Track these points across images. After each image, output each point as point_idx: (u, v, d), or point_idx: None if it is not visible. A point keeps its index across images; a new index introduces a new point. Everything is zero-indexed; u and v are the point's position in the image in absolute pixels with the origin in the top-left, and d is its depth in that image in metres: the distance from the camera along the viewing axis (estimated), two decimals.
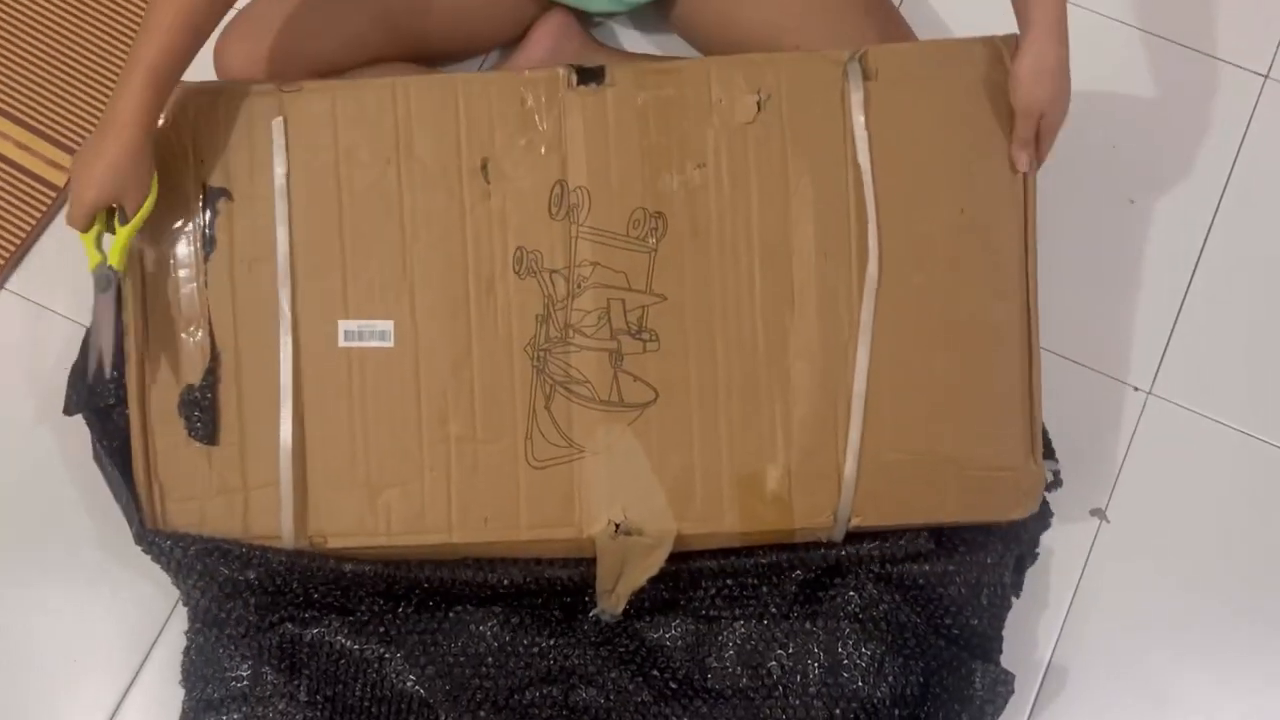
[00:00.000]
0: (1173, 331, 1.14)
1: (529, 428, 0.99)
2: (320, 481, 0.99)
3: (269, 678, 1.00)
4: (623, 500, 0.98)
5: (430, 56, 1.16)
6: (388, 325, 0.99)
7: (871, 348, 0.97)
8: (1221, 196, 1.18)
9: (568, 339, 0.98)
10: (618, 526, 0.98)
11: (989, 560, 1.02)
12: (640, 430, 0.98)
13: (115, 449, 1.02)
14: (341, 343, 0.99)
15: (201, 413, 0.99)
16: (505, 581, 1.00)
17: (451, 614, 1.01)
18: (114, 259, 0.93)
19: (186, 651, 1.03)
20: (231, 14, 1.03)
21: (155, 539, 0.99)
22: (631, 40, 1.24)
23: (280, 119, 0.97)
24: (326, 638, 1.00)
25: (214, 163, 0.98)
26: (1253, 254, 1.17)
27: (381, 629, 1.01)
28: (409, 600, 1.01)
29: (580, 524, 0.98)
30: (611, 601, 1.00)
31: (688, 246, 0.98)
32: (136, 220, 0.93)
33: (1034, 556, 1.05)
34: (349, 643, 1.00)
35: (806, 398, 0.97)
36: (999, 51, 0.97)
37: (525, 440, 0.99)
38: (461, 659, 1.00)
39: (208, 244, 0.99)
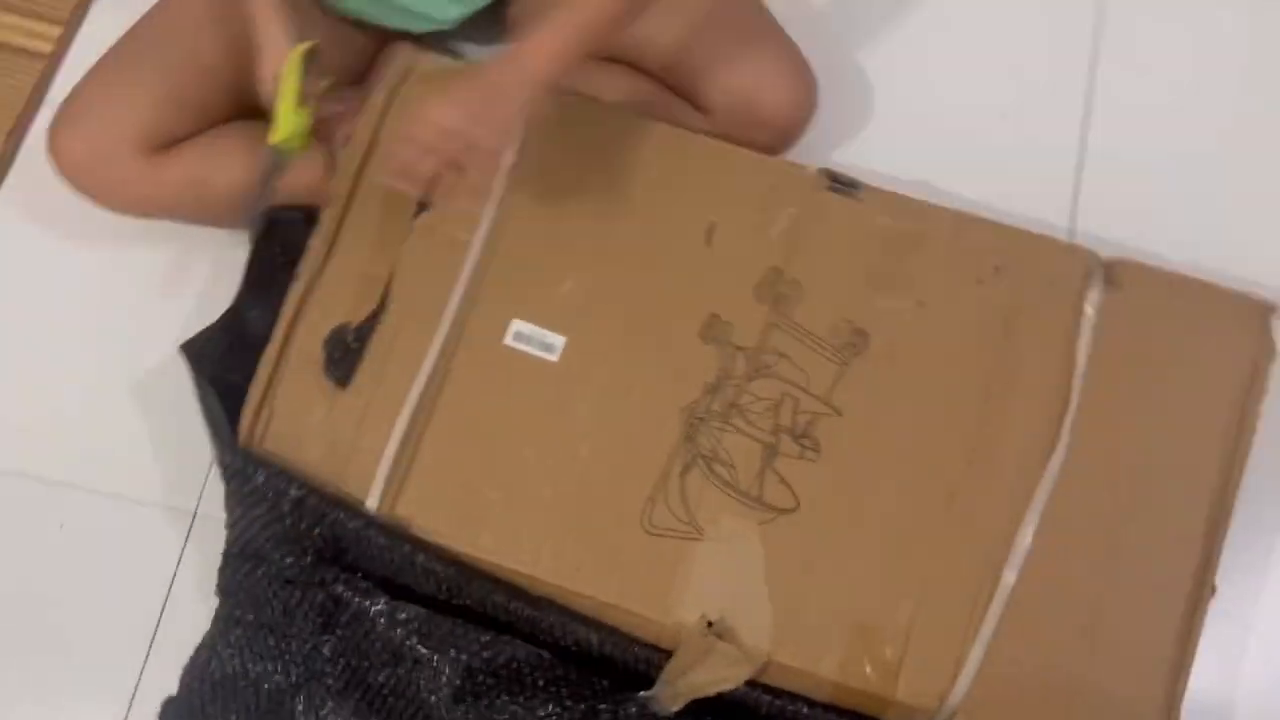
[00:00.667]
0: None
1: (656, 490, 0.93)
2: (429, 465, 0.93)
3: (298, 622, 0.92)
4: (725, 600, 0.90)
5: (265, 110, 1.06)
6: (559, 340, 0.96)
7: (1033, 541, 0.90)
8: None
9: (728, 417, 0.94)
10: (710, 624, 0.90)
11: None
12: (769, 535, 0.91)
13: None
14: (508, 341, 0.96)
15: (346, 353, 0.95)
16: (571, 640, 0.91)
17: (501, 640, 0.92)
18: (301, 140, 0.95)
19: (223, 567, 0.96)
20: (58, 105, 1.02)
21: (242, 454, 0.93)
22: (471, 52, 1.18)
23: (544, 123, 0.97)
24: (370, 611, 0.92)
25: None
26: None
27: (428, 629, 0.92)
28: (462, 611, 0.93)
29: (672, 607, 0.90)
30: (668, 696, 0.90)
31: (881, 372, 0.94)
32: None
33: None
34: (389, 628, 0.91)
35: (951, 568, 0.90)
36: (1249, 311, 0.95)
37: (648, 501, 0.93)
38: (493, 687, 0.90)
39: (423, 203, 0.98)
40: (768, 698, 0.90)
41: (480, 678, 0.92)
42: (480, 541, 0.92)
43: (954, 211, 0.98)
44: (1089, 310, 0.94)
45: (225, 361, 0.99)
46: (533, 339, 0.96)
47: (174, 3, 1.07)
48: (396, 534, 0.92)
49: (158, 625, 1.03)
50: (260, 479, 0.93)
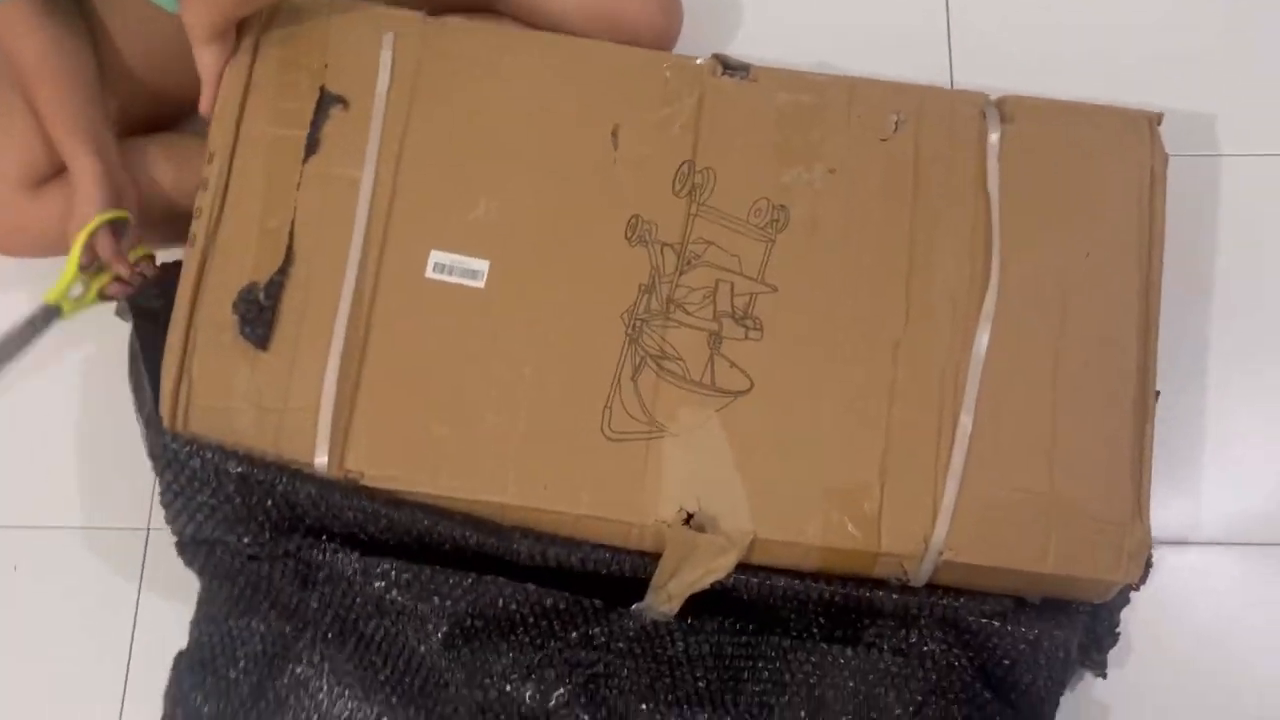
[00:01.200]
0: None
1: (610, 396, 0.91)
2: (370, 413, 0.89)
3: (276, 584, 0.88)
4: (699, 490, 0.89)
5: (146, 126, 1.06)
6: (482, 265, 0.93)
7: (982, 377, 0.92)
8: None
9: (668, 313, 0.93)
10: (690, 517, 0.88)
11: (1058, 618, 0.92)
12: (728, 419, 0.91)
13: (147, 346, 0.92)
14: (429, 274, 0.92)
15: (260, 314, 0.90)
16: (553, 564, 0.89)
17: (484, 581, 0.88)
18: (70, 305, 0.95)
19: (180, 555, 0.91)
20: None
21: (170, 440, 0.87)
22: None
23: (391, 34, 0.95)
24: (345, 571, 0.87)
25: (337, 69, 0.95)
26: None
27: (406, 579, 0.87)
28: (440, 556, 0.89)
29: (647, 508, 0.89)
30: (662, 598, 0.89)
31: (807, 243, 0.95)
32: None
33: (1114, 637, 0.96)
34: (367, 583, 0.87)
35: (910, 416, 0.91)
36: (1136, 124, 0.99)
37: (604, 409, 0.90)
38: (483, 630, 0.87)
39: (311, 146, 0.93)
40: (757, 579, 0.90)
41: (468, 622, 0.88)
42: (440, 481, 0.88)
43: (847, 77, 0.99)
44: (991, 146, 0.97)
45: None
46: (454, 268, 0.93)
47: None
48: (352, 491, 0.88)
49: (131, 641, 0.99)
50: (196, 463, 0.87)
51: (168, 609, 0.96)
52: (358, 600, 0.87)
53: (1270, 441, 1.07)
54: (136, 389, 0.92)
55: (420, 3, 1.03)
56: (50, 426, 1.05)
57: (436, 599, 0.88)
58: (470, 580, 0.88)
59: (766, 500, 0.89)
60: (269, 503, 0.87)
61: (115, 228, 0.95)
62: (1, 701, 0.98)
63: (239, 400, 0.89)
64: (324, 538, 0.89)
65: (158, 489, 0.89)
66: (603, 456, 0.90)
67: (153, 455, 0.89)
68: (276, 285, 0.91)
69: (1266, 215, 1.12)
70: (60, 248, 0.98)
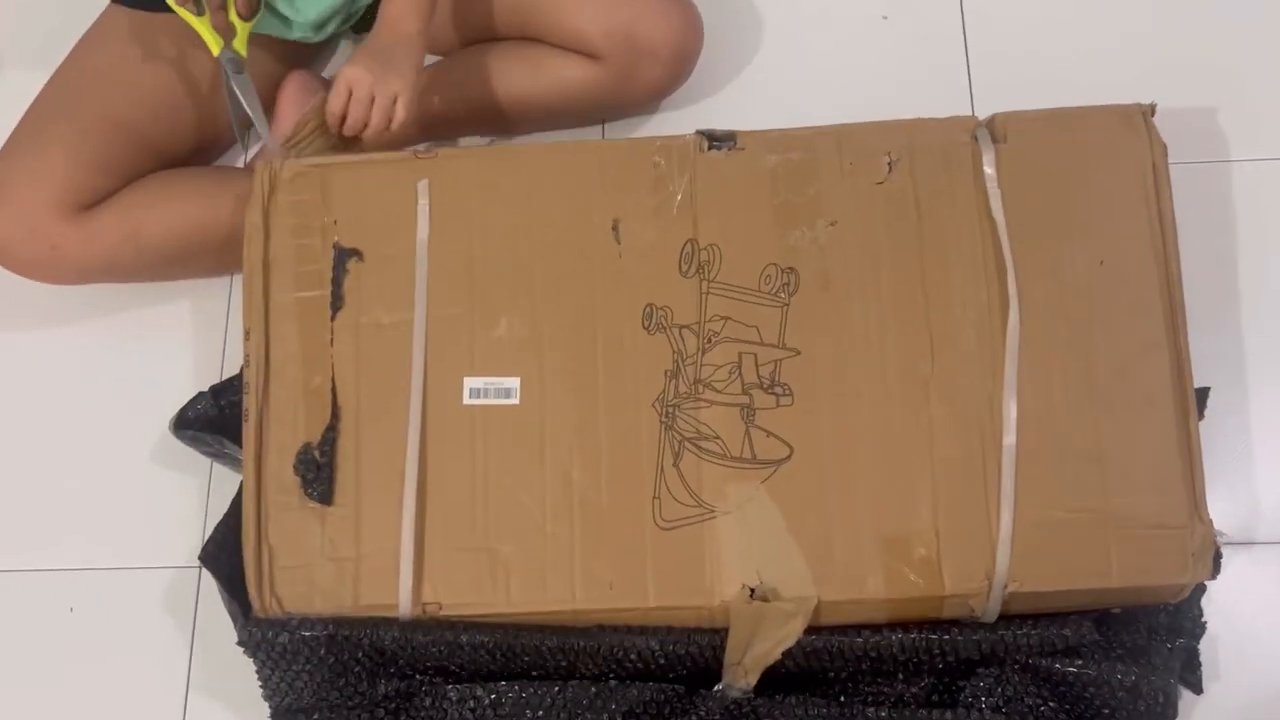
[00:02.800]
0: None
1: (657, 487, 0.94)
2: (438, 546, 0.94)
3: None
4: (757, 563, 0.92)
5: (184, 157, 1.15)
6: (514, 383, 0.97)
7: (1019, 399, 0.93)
8: None
9: (698, 394, 0.95)
10: (753, 591, 0.91)
11: (1153, 662, 0.93)
12: (775, 489, 0.93)
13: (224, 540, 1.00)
14: (466, 400, 0.96)
15: (319, 471, 0.96)
16: (633, 655, 0.92)
17: (570, 689, 0.93)
18: (239, 44, 1.02)
19: None
20: None
21: (261, 632, 0.93)
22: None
23: (425, 181, 0.99)
24: (434, 705, 0.92)
25: (346, 223, 1.00)
26: None
27: (493, 698, 0.92)
28: (527, 675, 0.94)
29: (712, 590, 0.92)
30: (738, 675, 0.92)
31: (821, 300, 0.96)
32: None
33: (1202, 627, 0.95)
34: (459, 714, 0.92)
35: (952, 453, 0.92)
36: (1129, 118, 0.98)
37: (653, 500, 0.94)
38: None
39: (336, 302, 0.98)
40: (836, 640, 0.92)
41: None
42: (512, 598, 0.93)
43: (832, 127, 1.00)
44: (989, 170, 0.96)
45: (239, 551, 0.98)
46: (488, 390, 0.97)
47: (78, 60, 1.10)
48: (433, 626, 0.93)
49: (188, 680, 1.06)
50: (285, 639, 0.93)
51: (224, 643, 1.00)
52: None
53: None
54: (222, 593, 0.99)
55: (448, 38, 1.14)
56: (108, 465, 1.13)
57: (529, 712, 0.92)
58: (558, 688, 0.93)
59: (824, 562, 0.92)
60: (359, 654, 0.93)
61: None
62: None
63: (316, 556, 0.94)
64: (415, 676, 0.94)
65: (251, 671, 0.96)
66: (660, 547, 0.93)
67: (241, 643, 0.95)
68: (329, 441, 0.96)
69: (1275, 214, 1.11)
70: (94, 276, 1.09)
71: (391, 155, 1.02)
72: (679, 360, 0.96)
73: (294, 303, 0.98)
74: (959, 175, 0.97)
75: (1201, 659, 0.97)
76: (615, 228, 0.99)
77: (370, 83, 1.01)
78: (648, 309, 0.97)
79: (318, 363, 0.98)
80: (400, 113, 1.03)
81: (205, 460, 1.11)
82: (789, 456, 0.94)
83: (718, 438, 0.95)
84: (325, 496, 0.95)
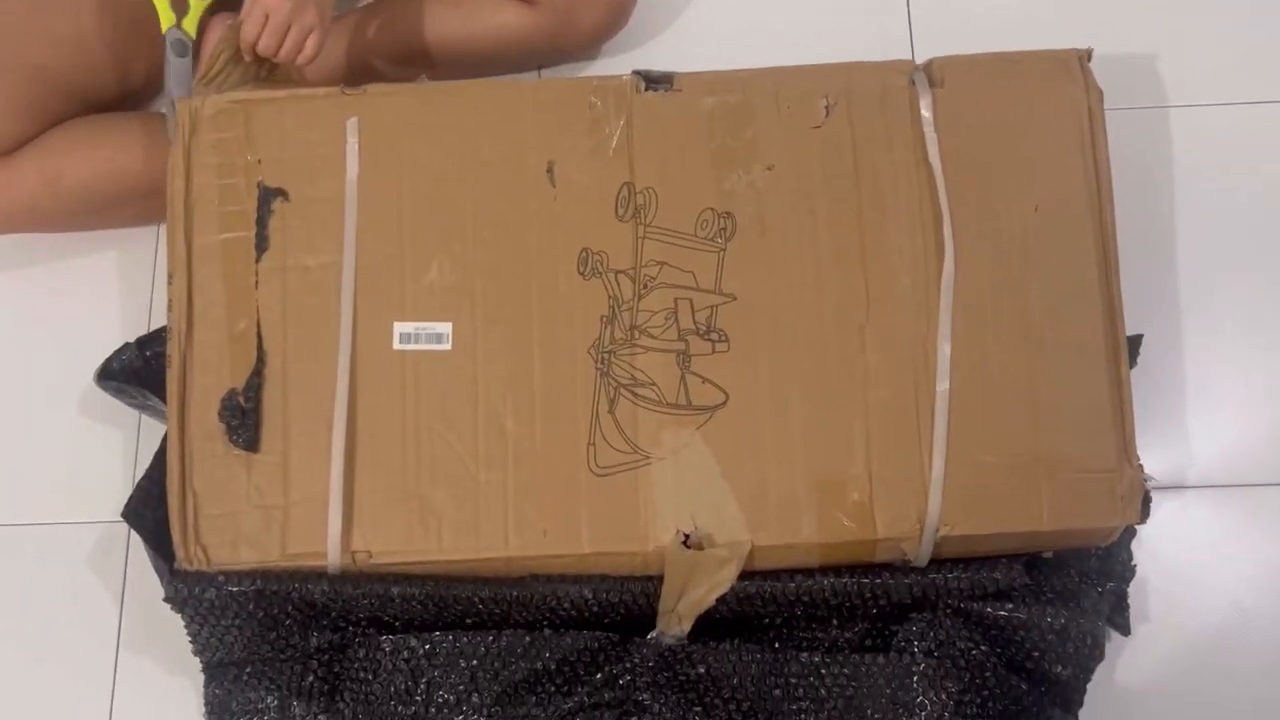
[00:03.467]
0: None
1: (591, 434, 0.93)
2: (367, 494, 0.92)
3: (296, 710, 0.91)
4: (692, 509, 0.91)
5: (107, 102, 1.11)
6: (445, 328, 0.95)
7: (952, 344, 0.93)
8: None
9: (633, 340, 0.94)
10: (687, 537, 0.91)
11: (1082, 605, 0.94)
12: (710, 435, 0.93)
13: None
14: (396, 345, 0.94)
15: (244, 418, 0.93)
16: (566, 604, 0.92)
17: (504, 639, 0.92)
18: (189, 25, 1.00)
19: (208, 690, 0.95)
20: None
21: (187, 588, 0.91)
22: None
23: (355, 120, 0.96)
24: (368, 656, 0.91)
25: (271, 162, 0.96)
26: None
27: (427, 648, 0.91)
28: (461, 625, 0.93)
29: (646, 536, 0.91)
30: (672, 622, 0.91)
31: (757, 246, 0.95)
32: None
33: (1131, 570, 0.97)
34: (393, 664, 0.91)
35: (886, 398, 0.92)
36: (1066, 63, 0.97)
37: (588, 447, 0.93)
38: (510, 686, 0.91)
39: (260, 244, 0.96)
40: (768, 585, 0.92)
41: (496, 684, 0.91)
42: (444, 545, 0.91)
43: (770, 69, 0.99)
44: (925, 114, 0.96)
45: (162, 505, 0.96)
46: (419, 335, 0.95)
47: None
48: (363, 579, 0.91)
49: (118, 636, 1.04)
50: (211, 594, 0.91)
51: (154, 599, 0.97)
52: (390, 687, 0.92)
53: (1247, 383, 1.06)
54: (146, 541, 0.97)
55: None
56: (25, 420, 1.10)
57: (463, 661, 0.91)
58: (491, 637, 0.92)
59: (758, 507, 0.91)
60: (289, 608, 0.92)
61: None
62: None
63: (242, 504, 0.92)
64: (349, 628, 0.93)
65: (181, 625, 0.94)
66: (594, 493, 0.92)
67: (168, 599, 0.93)
68: (255, 387, 0.94)
69: (1210, 162, 1.11)
70: (15, 224, 1.07)
71: (317, 91, 0.99)
72: (615, 306, 0.95)
73: (218, 245, 0.95)
74: (896, 120, 0.96)
75: (1130, 602, 0.98)
76: (550, 170, 0.97)
77: (288, 11, 0.97)
78: (583, 253, 0.96)
79: (242, 307, 0.95)
80: (309, 48, 0.99)
81: (133, 413, 1.08)
82: (724, 403, 0.93)
83: (653, 384, 0.94)
84: (251, 443, 0.93)
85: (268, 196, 0.96)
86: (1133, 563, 0.98)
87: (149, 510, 0.98)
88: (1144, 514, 0.92)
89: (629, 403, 0.93)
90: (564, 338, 0.94)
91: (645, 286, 0.95)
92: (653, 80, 0.98)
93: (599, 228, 0.96)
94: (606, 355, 0.94)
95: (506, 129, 0.98)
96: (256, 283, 0.95)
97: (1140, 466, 0.91)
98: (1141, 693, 0.98)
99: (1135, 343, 1.01)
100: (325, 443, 0.92)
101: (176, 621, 0.94)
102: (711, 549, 0.91)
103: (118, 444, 1.09)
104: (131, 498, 0.99)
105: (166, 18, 1.03)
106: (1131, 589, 0.98)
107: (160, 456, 1.00)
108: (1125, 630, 0.97)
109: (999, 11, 1.17)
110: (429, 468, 0.93)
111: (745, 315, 0.94)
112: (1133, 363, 0.98)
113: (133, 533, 1.02)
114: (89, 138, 1.06)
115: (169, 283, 0.95)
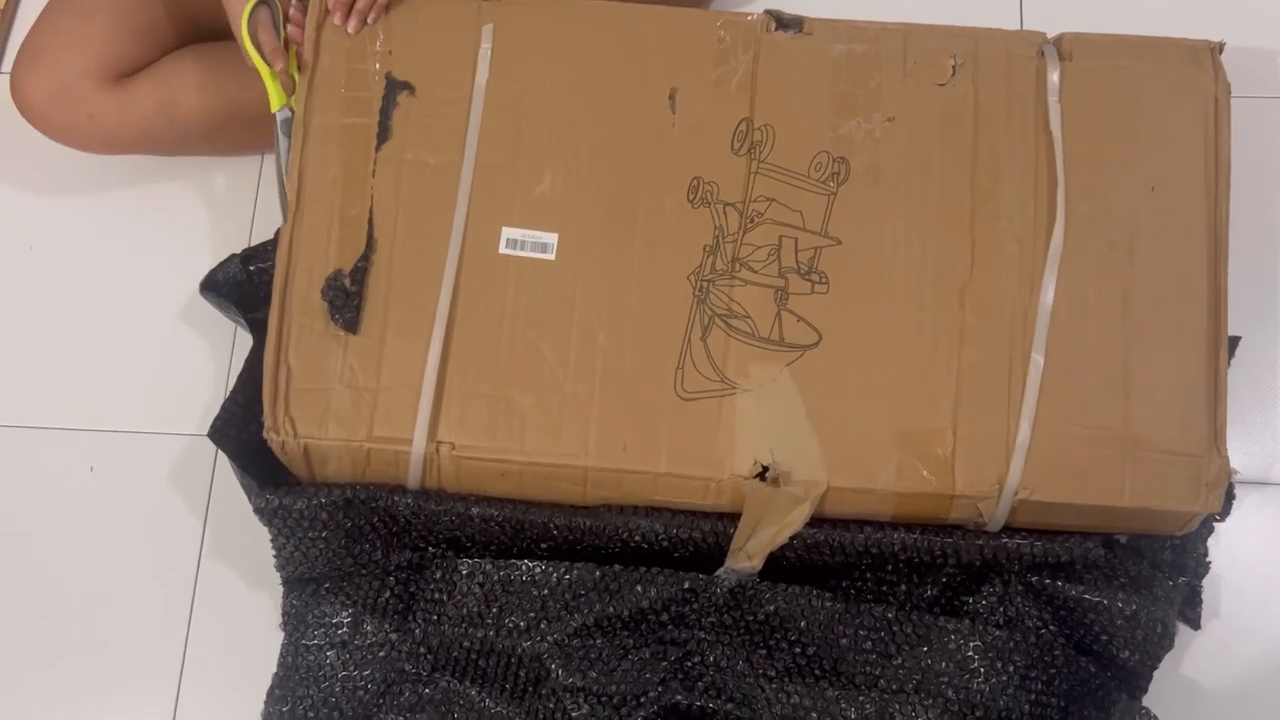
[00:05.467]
0: None
1: (681, 358, 0.94)
2: (457, 388, 0.94)
3: (368, 626, 0.94)
4: (772, 443, 0.92)
5: (224, 30, 1.06)
6: (552, 238, 0.96)
7: (1052, 315, 0.93)
8: None
9: (734, 272, 0.95)
10: (765, 471, 0.91)
11: (1155, 594, 0.94)
12: (798, 373, 0.93)
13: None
14: (502, 249, 0.96)
15: (348, 299, 0.95)
16: (637, 536, 0.93)
17: (575, 570, 0.94)
18: (295, 100, 0.97)
19: (285, 601, 0.97)
20: (16, 47, 1.06)
21: (278, 499, 0.94)
22: None
23: (490, 26, 0.98)
24: (444, 577, 0.95)
25: (401, 55, 0.98)
26: None
27: (502, 574, 0.94)
28: (533, 554, 0.95)
29: (723, 463, 0.92)
30: (742, 559, 0.92)
31: (868, 194, 0.96)
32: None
33: (1205, 565, 0.97)
34: (467, 587, 0.94)
35: (979, 360, 0.92)
36: (1196, 54, 0.97)
37: (676, 370, 0.94)
38: (576, 616, 0.93)
39: (382, 134, 0.97)
40: (838, 534, 0.92)
41: (565, 615, 0.93)
42: (526, 447, 0.93)
43: (900, 24, 0.99)
44: (1052, 85, 0.96)
45: (248, 425, 0.99)
46: (525, 242, 0.96)
47: None
48: (445, 496, 0.94)
49: (201, 546, 1.05)
50: (301, 504, 0.94)
51: (238, 512, 1.00)
52: (463, 609, 0.94)
53: None
54: (232, 460, 0.99)
55: None
56: (133, 331, 1.12)
57: (534, 590, 0.93)
58: (564, 568, 0.94)
59: (839, 449, 0.92)
60: (374, 520, 0.94)
61: (262, 11, 0.98)
62: (72, 604, 1.04)
63: (334, 382, 0.94)
64: (428, 549, 0.96)
65: (268, 539, 0.96)
66: (678, 416, 0.93)
67: (257, 510, 0.95)
68: (361, 271, 0.95)
69: None
70: (128, 146, 1.08)
71: None
72: (719, 236, 0.96)
73: (339, 127, 0.97)
74: (1020, 87, 0.97)
75: (1203, 596, 0.98)
76: (672, 97, 0.98)
77: None
78: (694, 182, 0.97)
79: (357, 191, 0.97)
80: (373, 16, 0.97)
81: (231, 326, 1.11)
82: (817, 343, 0.94)
83: (748, 317, 0.94)
84: (351, 325, 0.95)
85: (394, 88, 0.98)
86: (1208, 559, 0.97)
87: (234, 430, 1.00)
88: (1226, 509, 0.92)
89: (722, 332, 0.94)
90: (666, 261, 0.95)
91: (752, 221, 0.96)
92: (784, 22, 0.99)
93: (713, 158, 0.97)
94: (705, 283, 0.95)
95: (634, 52, 0.99)
96: (374, 171, 0.97)
97: (1227, 457, 0.91)
98: (1205, 686, 0.97)
99: (1233, 343, 1.00)
100: (424, 333, 0.94)
101: (258, 537, 0.97)
102: (786, 488, 0.91)
103: (215, 358, 1.11)
104: (218, 417, 1.00)
105: (277, 98, 0.98)
106: (1204, 584, 0.97)
107: (246, 376, 1.02)
108: (1196, 624, 0.97)
109: None
110: (519, 371, 0.94)
111: (848, 260, 0.95)
112: (1228, 363, 0.98)
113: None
114: (204, 65, 1.08)
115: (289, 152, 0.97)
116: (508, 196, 0.97)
